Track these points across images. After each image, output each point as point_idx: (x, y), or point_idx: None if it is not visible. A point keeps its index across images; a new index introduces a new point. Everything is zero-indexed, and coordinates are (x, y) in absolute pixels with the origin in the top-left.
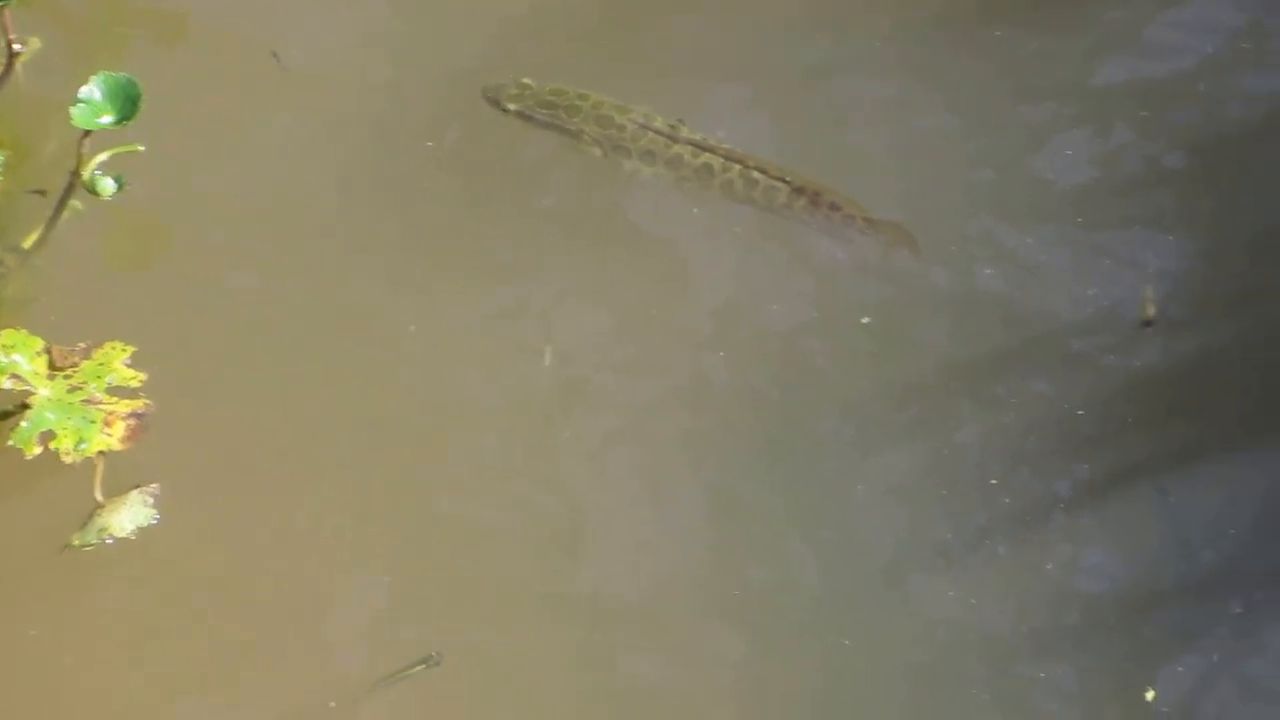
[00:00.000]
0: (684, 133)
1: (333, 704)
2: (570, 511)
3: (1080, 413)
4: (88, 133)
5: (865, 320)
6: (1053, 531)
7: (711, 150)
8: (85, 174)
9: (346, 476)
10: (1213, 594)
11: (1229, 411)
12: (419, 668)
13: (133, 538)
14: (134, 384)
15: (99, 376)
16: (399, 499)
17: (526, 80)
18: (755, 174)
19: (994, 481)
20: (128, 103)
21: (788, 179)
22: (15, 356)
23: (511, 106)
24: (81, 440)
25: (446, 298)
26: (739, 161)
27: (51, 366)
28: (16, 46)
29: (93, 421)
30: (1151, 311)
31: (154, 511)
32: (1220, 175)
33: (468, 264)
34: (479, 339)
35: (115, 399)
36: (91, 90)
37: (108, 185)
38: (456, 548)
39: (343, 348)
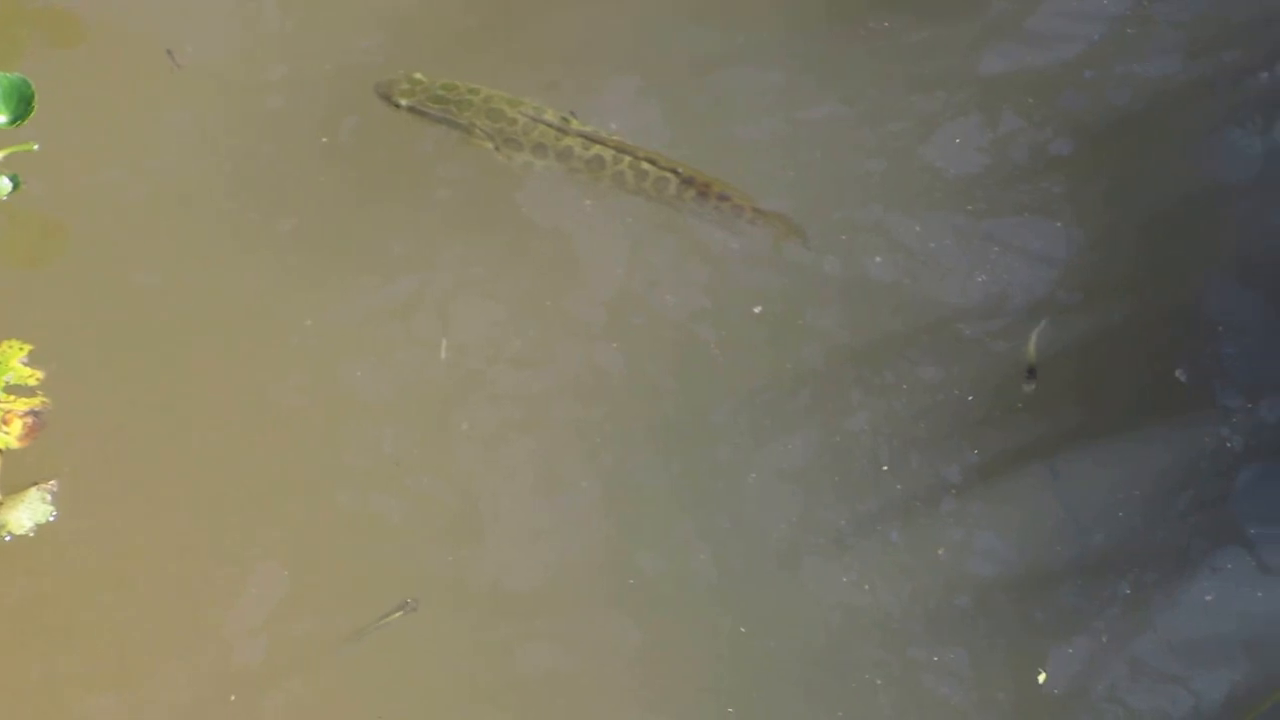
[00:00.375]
0: (575, 125)
1: (233, 698)
2: (467, 502)
3: (970, 398)
4: None
5: (757, 310)
6: (944, 516)
7: (602, 142)
8: None
9: (244, 471)
10: (1103, 575)
11: (1117, 394)
12: (396, 614)
13: (31, 535)
14: (31, 382)
15: None
16: (297, 493)
17: (418, 75)
18: (645, 165)
19: (885, 467)
20: (22, 102)
21: (678, 170)
22: None
23: (403, 102)
24: None
25: (342, 292)
26: (629, 153)
27: None
28: None
29: None
30: (1033, 357)
31: (52, 508)
32: (1108, 161)
33: (363, 258)
34: (375, 332)
35: (13, 397)
36: None
37: (4, 184)
38: (354, 540)
39: (240, 343)
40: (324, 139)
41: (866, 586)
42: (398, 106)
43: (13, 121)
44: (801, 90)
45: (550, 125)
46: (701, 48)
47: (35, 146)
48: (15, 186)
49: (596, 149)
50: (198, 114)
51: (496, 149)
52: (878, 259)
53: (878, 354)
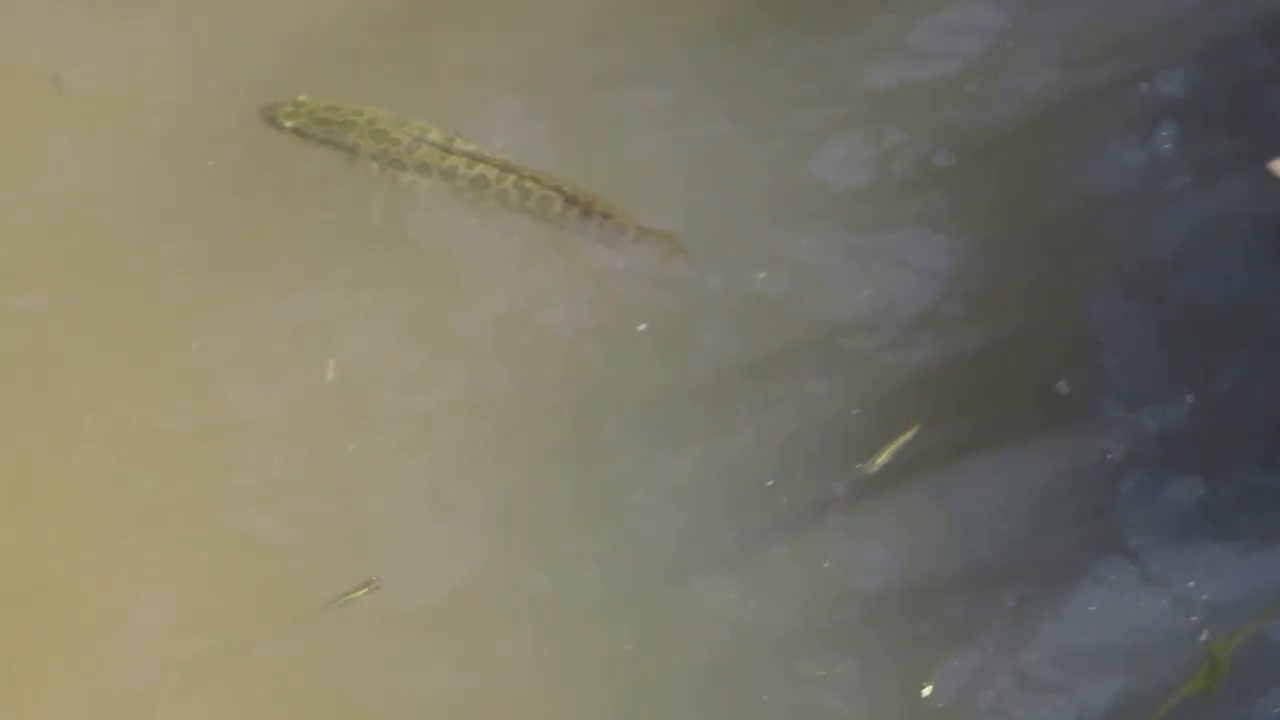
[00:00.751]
0: (459, 144)
1: None
2: (356, 522)
3: (855, 412)
4: None
5: (642, 327)
6: (831, 530)
7: (486, 161)
8: None
9: (132, 493)
10: (988, 588)
11: (1001, 407)
12: (361, 591)
13: None
14: None
15: None
16: (184, 515)
17: (302, 98)
18: (529, 184)
19: (771, 482)
20: None
21: (562, 189)
22: None
23: (288, 124)
24: None
25: (229, 314)
26: (514, 172)
27: None
28: None
29: None
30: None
31: None
32: (991, 174)
33: (250, 280)
34: (262, 354)
35: None
36: None
37: None
38: (243, 562)
39: (126, 365)
40: (210, 162)
41: (754, 601)
42: (282, 129)
43: None
44: (687, 108)
45: (435, 145)
46: (587, 68)
47: None
48: None
49: (480, 168)
50: (83, 138)
51: (381, 170)
52: (763, 275)
53: (764, 369)
